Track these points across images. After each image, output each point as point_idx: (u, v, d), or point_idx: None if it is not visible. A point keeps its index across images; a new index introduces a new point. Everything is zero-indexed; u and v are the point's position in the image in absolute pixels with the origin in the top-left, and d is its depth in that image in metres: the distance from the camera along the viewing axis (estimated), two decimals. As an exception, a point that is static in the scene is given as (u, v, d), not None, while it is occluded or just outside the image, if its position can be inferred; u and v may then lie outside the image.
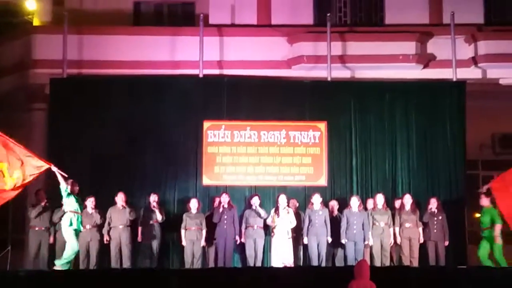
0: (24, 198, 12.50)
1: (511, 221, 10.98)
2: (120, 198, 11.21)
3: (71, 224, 10.61)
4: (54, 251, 11.06)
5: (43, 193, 11.26)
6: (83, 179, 11.93)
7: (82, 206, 10.88)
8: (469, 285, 9.31)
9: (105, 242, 11.14)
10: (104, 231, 11.15)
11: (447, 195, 12.32)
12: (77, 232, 10.66)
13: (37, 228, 11.08)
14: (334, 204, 11.88)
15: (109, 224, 11.17)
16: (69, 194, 10.68)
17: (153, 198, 11.28)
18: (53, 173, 10.60)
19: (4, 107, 13.17)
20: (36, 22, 13.91)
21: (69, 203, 10.68)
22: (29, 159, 10.45)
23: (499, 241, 11.13)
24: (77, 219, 10.68)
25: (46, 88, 12.71)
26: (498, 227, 11.16)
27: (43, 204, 11.14)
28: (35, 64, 12.86)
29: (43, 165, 10.53)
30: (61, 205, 11.00)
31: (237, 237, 11.36)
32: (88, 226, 11.00)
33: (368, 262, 11.20)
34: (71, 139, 12.25)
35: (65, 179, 10.64)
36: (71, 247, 10.53)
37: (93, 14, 13.75)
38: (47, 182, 11.45)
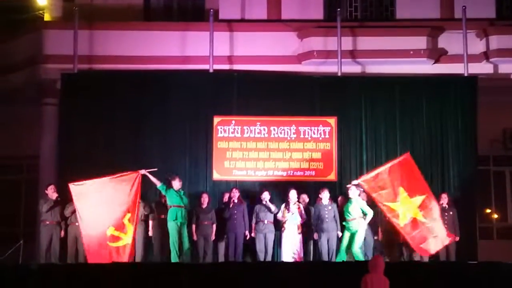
0: (36, 193, 12.64)
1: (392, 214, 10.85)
2: (132, 194, 11.24)
3: (175, 218, 10.75)
4: (65, 245, 11.11)
5: (54, 187, 11.29)
6: (93, 173, 11.98)
7: (183, 199, 10.97)
8: (480, 281, 9.27)
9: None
10: (116, 225, 11.19)
11: (458, 191, 12.28)
12: (179, 225, 10.78)
13: (48, 222, 11.14)
14: (343, 199, 11.84)
15: (121, 218, 11.21)
16: (168, 189, 10.88)
17: (164, 193, 11.28)
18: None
19: (16, 102, 13.25)
20: (47, 17, 13.96)
21: (170, 198, 10.87)
22: (120, 186, 10.67)
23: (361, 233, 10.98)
24: (181, 213, 10.83)
25: (57, 83, 12.77)
26: (367, 218, 11.00)
27: (54, 198, 11.18)
28: (46, 59, 12.90)
29: (133, 175, 10.78)
30: (71, 200, 11.05)
31: (247, 232, 11.38)
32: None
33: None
34: (82, 134, 12.33)
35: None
36: (171, 240, 10.77)
37: (103, 9, 13.76)
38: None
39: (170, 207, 10.88)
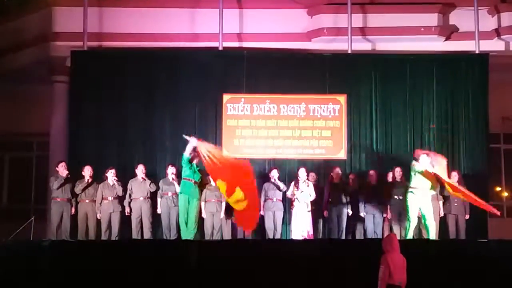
0: (47, 170, 12.72)
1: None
2: (140, 170, 11.28)
3: (182, 191, 10.80)
4: (76, 222, 11.20)
5: (65, 164, 11.33)
6: (104, 151, 12.10)
7: (195, 174, 10.90)
8: (489, 259, 9.26)
9: (126, 214, 11.25)
10: (126, 203, 11.24)
11: (469, 169, 12.24)
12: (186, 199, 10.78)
13: (59, 199, 11.18)
14: (353, 177, 11.86)
15: (130, 196, 11.25)
16: (189, 162, 10.81)
17: (171, 171, 11.23)
18: None
19: (26, 79, 13.28)
20: (56, -6, 13.91)
21: (185, 170, 10.83)
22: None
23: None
24: (191, 187, 10.80)
25: (67, 60, 12.74)
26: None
27: (65, 175, 11.22)
28: (56, 37, 12.87)
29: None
30: (83, 177, 11.16)
31: None
32: (109, 198, 11.14)
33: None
34: (92, 112, 12.35)
35: None
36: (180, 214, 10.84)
37: (113, -14, 13.71)
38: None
39: (183, 179, 10.87)
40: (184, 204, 10.78)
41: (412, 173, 10.54)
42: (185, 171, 10.87)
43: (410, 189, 10.54)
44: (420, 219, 10.65)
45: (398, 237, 10.79)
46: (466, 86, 12.50)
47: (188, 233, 10.68)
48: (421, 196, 10.49)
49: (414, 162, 10.58)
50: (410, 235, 10.50)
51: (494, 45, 12.83)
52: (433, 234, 10.52)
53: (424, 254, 9.21)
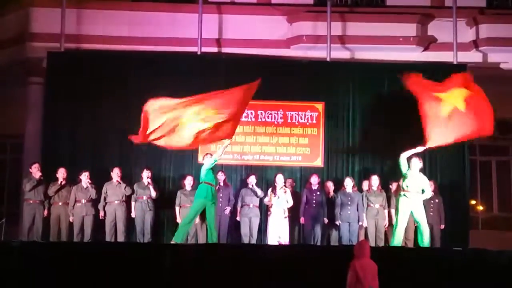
0: (20, 172, 12.53)
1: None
2: (115, 173, 11.17)
3: (205, 196, 10.45)
4: (48, 224, 11.03)
5: (39, 166, 11.18)
6: (79, 153, 11.96)
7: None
8: (465, 267, 9.25)
9: (100, 217, 11.12)
10: (100, 206, 11.13)
11: (445, 179, 12.27)
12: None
13: (31, 201, 11.02)
14: (330, 185, 11.82)
15: (104, 199, 11.13)
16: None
17: (147, 174, 11.16)
18: None
19: (1, 80, 13.09)
20: (34, -6, 13.78)
21: (208, 174, 10.52)
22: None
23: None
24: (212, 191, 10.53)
25: (43, 62, 12.61)
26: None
27: (38, 177, 11.06)
28: (33, 38, 12.77)
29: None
30: (56, 179, 11.01)
31: (228, 209, 11.29)
32: (83, 201, 11.00)
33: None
34: (67, 113, 12.23)
35: None
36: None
37: (92, -13, 13.63)
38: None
39: (201, 183, 10.53)
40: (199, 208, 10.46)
41: (404, 177, 10.40)
42: (208, 175, 10.51)
43: (403, 193, 10.38)
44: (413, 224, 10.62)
45: (377, 244, 10.92)
46: (443, 97, 12.54)
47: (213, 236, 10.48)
48: (414, 200, 10.33)
49: (406, 167, 10.46)
50: (397, 241, 10.29)
51: (472, 57, 12.96)
52: (427, 240, 10.33)
53: (399, 262, 9.17)
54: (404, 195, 10.28)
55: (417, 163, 10.42)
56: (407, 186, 10.29)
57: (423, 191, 10.41)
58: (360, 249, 7.73)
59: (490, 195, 15.00)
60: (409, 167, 10.35)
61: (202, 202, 10.41)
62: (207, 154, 10.85)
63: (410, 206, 10.31)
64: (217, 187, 11.18)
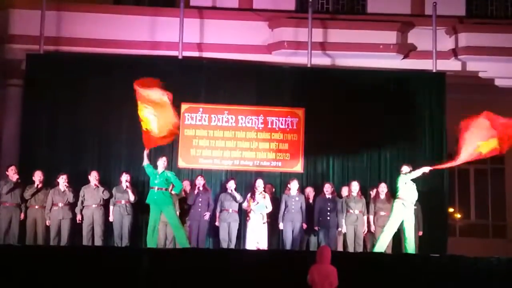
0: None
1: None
2: (93, 177, 11.09)
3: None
4: (25, 228, 10.92)
5: (15, 168, 11.04)
6: (57, 156, 11.84)
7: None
8: (442, 273, 9.31)
9: (77, 221, 11.02)
10: (77, 210, 11.03)
11: (425, 186, 12.28)
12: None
13: (8, 204, 10.88)
14: (310, 191, 11.83)
15: (82, 203, 11.04)
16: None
17: (125, 178, 11.10)
18: None
19: (-21, 82, 12.96)
20: (14, -5, 13.66)
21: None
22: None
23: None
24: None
25: (22, 64, 12.50)
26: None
27: (15, 180, 10.93)
28: (12, 39, 12.62)
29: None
30: (33, 182, 10.90)
31: (207, 214, 11.25)
32: (60, 204, 10.90)
33: (341, 249, 11.32)
34: (45, 116, 12.11)
35: None
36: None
37: (72, -10, 13.55)
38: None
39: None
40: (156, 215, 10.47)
41: (402, 184, 10.57)
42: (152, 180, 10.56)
43: (400, 200, 10.50)
44: (401, 231, 10.65)
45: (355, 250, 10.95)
46: (423, 104, 12.62)
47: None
48: (409, 210, 10.53)
49: (406, 173, 10.64)
50: (381, 248, 10.39)
51: (451, 65, 13.08)
52: (412, 247, 10.48)
53: (376, 268, 9.20)
54: (402, 203, 10.48)
55: (417, 171, 10.68)
56: (404, 195, 10.51)
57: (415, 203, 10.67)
58: (319, 254, 8.01)
59: (468, 203, 15.12)
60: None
61: (154, 208, 10.43)
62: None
63: (404, 215, 10.50)
64: (196, 192, 11.18)
